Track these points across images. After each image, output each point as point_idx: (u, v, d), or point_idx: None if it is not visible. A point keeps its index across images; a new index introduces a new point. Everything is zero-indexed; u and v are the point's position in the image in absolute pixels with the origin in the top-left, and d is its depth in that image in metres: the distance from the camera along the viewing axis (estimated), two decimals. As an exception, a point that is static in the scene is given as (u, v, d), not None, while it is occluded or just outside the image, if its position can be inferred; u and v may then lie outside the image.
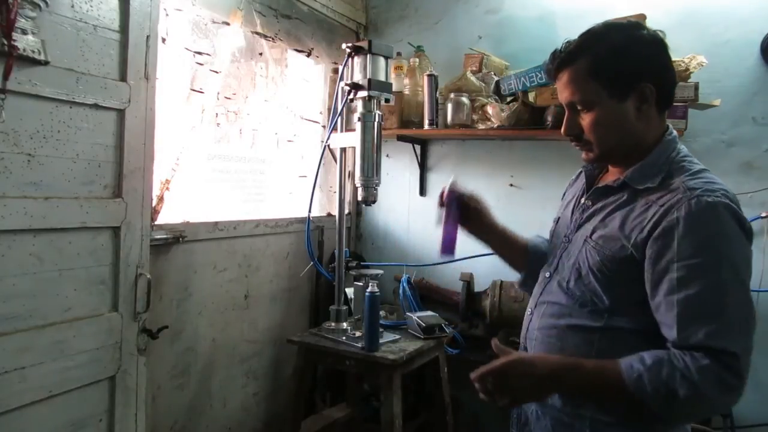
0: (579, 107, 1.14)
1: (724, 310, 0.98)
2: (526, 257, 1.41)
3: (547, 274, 1.25)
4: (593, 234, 1.14)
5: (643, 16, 2.16)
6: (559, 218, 1.34)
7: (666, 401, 0.97)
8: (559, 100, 1.19)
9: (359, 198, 2.11)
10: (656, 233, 1.03)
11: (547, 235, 1.40)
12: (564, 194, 1.41)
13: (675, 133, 1.17)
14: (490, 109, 2.44)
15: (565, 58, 1.13)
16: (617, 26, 1.15)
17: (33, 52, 1.38)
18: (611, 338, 1.10)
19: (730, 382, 0.97)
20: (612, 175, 1.20)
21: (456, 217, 1.34)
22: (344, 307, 2.34)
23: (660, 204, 1.05)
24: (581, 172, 1.32)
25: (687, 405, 0.98)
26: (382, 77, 2.08)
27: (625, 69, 1.09)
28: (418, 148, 2.90)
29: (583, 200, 1.23)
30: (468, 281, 2.56)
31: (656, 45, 1.12)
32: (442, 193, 1.36)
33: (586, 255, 1.14)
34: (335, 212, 2.57)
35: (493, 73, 2.57)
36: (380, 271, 2.39)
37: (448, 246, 1.33)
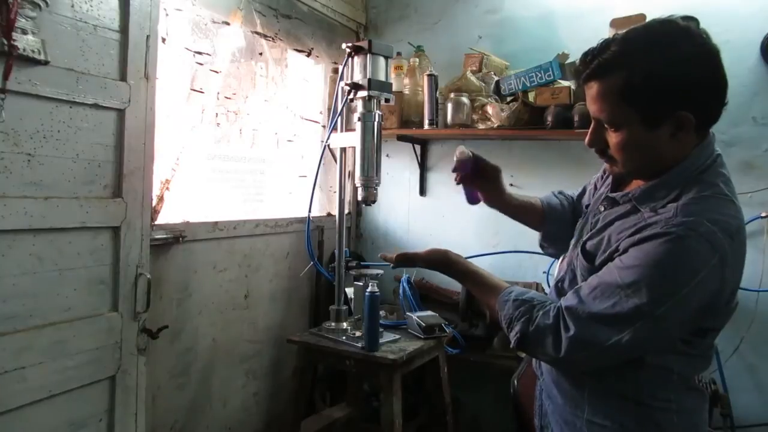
0: (606, 126, 1.06)
1: (601, 305, 1.00)
2: (542, 219, 1.45)
3: (562, 273, 1.25)
4: (588, 241, 1.14)
5: (643, 16, 2.16)
6: (587, 210, 1.29)
7: (507, 328, 1.13)
8: (588, 109, 1.10)
9: (359, 198, 2.11)
10: (627, 243, 1.02)
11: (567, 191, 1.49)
12: (599, 179, 1.35)
13: (712, 145, 1.06)
14: (490, 109, 2.44)
15: (596, 69, 1.02)
16: (660, 38, 1.00)
17: (33, 52, 1.38)
18: None
19: (546, 348, 1.06)
20: (636, 182, 1.15)
21: (470, 176, 1.39)
22: (344, 307, 2.34)
23: (647, 223, 1.02)
24: None
25: (514, 339, 1.12)
26: (382, 77, 2.08)
27: (660, 97, 0.99)
28: (418, 148, 2.90)
29: (599, 203, 1.21)
30: (468, 281, 2.55)
31: (703, 64, 0.99)
32: (457, 162, 1.39)
33: (577, 261, 1.15)
34: (335, 212, 2.57)
35: (493, 73, 2.57)
36: (380, 271, 2.38)
37: (473, 199, 1.42)
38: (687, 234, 0.96)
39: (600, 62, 1.02)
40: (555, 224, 1.43)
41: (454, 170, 1.38)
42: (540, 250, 1.52)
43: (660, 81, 0.98)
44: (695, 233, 0.95)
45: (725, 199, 1.02)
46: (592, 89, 1.05)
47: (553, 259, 2.35)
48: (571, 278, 1.16)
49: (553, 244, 1.47)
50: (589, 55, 1.04)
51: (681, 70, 0.98)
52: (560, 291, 1.18)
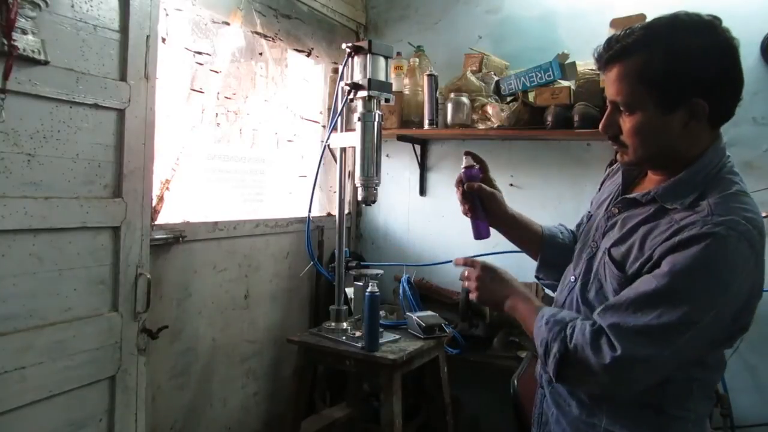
0: (621, 108, 1.06)
1: (644, 318, 0.96)
2: (539, 246, 1.39)
3: (572, 278, 1.20)
4: (612, 248, 1.10)
5: (643, 16, 2.16)
6: (590, 215, 1.27)
7: (544, 355, 1.06)
8: (606, 93, 1.10)
9: (359, 198, 2.11)
10: (664, 249, 0.99)
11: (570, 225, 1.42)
12: (601, 185, 1.33)
13: (723, 144, 1.08)
14: (490, 109, 2.44)
15: (618, 51, 1.03)
16: (684, 26, 1.01)
17: (33, 52, 1.38)
18: None
19: (591, 368, 0.98)
20: (650, 182, 1.13)
21: (479, 206, 1.34)
22: (344, 307, 2.34)
23: (681, 225, 0.99)
24: (621, 168, 1.22)
25: (553, 363, 1.04)
26: (382, 77, 2.08)
27: (677, 81, 1.00)
28: (418, 148, 2.90)
29: (611, 205, 1.18)
30: (468, 281, 2.55)
31: (722, 56, 1.01)
32: (460, 180, 1.34)
33: (605, 269, 1.10)
34: (335, 212, 2.57)
35: (493, 73, 2.57)
36: (380, 271, 2.38)
37: (484, 233, 1.36)
38: (728, 234, 0.94)
39: (623, 45, 1.03)
40: (553, 251, 1.36)
41: (460, 182, 1.34)
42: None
43: (678, 66, 0.99)
44: (736, 232, 0.95)
45: (748, 196, 1.03)
46: (611, 71, 1.06)
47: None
48: (598, 288, 1.12)
49: (550, 272, 1.39)
50: (613, 40, 1.05)
51: (700, 58, 1.00)
52: (587, 302, 1.14)
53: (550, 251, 1.37)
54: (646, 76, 1.01)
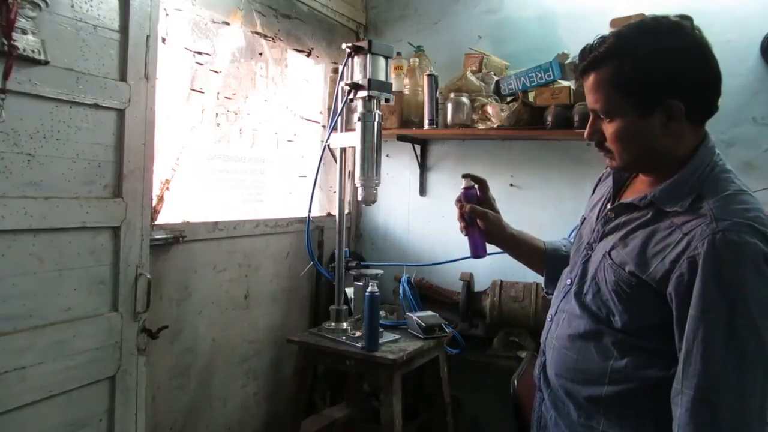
0: (601, 116, 1.08)
1: (711, 367, 0.93)
2: (543, 263, 1.40)
3: (568, 281, 1.20)
4: (612, 251, 1.10)
5: (642, 17, 2.16)
6: (584, 219, 1.28)
7: None
8: (586, 102, 1.12)
9: (359, 198, 2.11)
10: (678, 269, 0.97)
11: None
12: (594, 189, 1.33)
13: (712, 143, 1.08)
14: (490, 109, 2.44)
15: (591, 60, 1.06)
16: (651, 31, 1.04)
17: (33, 52, 1.38)
18: (627, 356, 1.07)
19: None
20: (641, 184, 1.14)
21: (476, 225, 1.37)
22: (344, 307, 2.34)
23: (684, 231, 0.99)
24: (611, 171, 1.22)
25: None
26: (382, 77, 2.08)
27: (648, 85, 1.01)
28: (418, 148, 2.90)
29: (608, 207, 1.18)
30: (468, 281, 2.56)
31: (692, 55, 1.02)
32: (460, 200, 1.38)
33: (604, 272, 1.10)
34: (335, 212, 2.57)
35: (493, 73, 2.57)
36: (380, 271, 2.38)
37: (480, 251, 1.38)
38: (739, 236, 0.94)
39: (596, 55, 1.05)
40: (557, 266, 1.35)
41: (458, 201, 1.37)
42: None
43: (648, 69, 1.01)
44: (743, 230, 0.94)
45: (746, 194, 1.02)
46: (588, 81, 1.08)
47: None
48: (595, 291, 1.12)
49: (553, 286, 1.35)
50: (587, 50, 1.07)
51: (669, 59, 1.01)
52: (586, 305, 1.13)
53: (554, 266, 1.37)
54: (619, 83, 1.03)
